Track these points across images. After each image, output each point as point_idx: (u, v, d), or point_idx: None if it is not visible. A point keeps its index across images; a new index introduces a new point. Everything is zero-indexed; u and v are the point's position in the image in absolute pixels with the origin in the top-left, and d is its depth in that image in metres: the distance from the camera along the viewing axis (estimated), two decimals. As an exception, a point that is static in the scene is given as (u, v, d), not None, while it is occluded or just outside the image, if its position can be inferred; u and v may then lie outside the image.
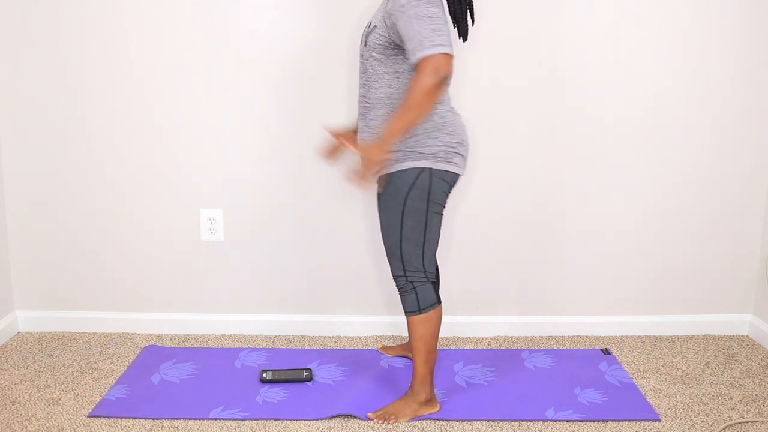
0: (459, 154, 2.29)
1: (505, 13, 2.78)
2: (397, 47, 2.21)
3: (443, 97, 2.28)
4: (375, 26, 2.24)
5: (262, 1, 2.77)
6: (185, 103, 2.85)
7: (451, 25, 2.33)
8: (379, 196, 2.34)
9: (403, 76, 2.24)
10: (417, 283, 2.33)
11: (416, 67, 2.13)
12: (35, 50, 2.81)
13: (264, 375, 2.60)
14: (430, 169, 2.25)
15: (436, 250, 2.36)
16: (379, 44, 2.23)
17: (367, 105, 2.31)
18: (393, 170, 2.26)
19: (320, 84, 2.82)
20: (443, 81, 2.10)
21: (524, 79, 2.83)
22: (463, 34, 2.32)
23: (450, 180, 2.30)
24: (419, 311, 2.33)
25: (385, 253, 2.40)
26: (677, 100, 2.87)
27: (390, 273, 2.97)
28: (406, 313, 2.37)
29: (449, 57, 2.10)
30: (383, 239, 2.36)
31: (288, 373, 2.61)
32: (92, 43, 2.80)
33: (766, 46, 2.83)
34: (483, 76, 2.82)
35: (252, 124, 2.87)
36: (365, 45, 2.28)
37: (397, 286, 2.38)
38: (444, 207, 2.33)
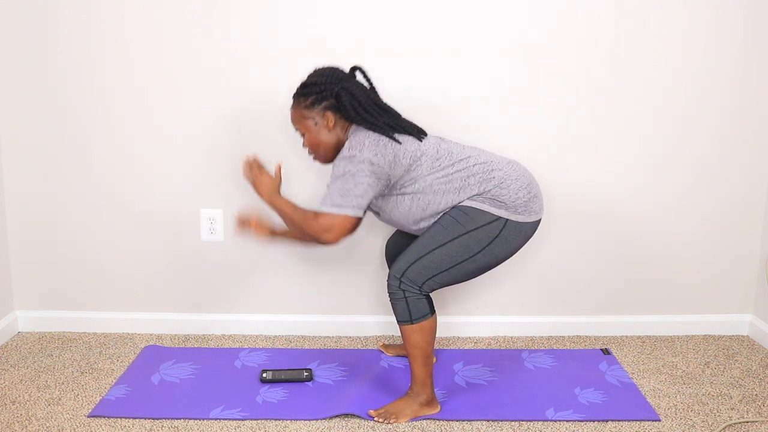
0: (536, 196, 2.29)
1: (505, 12, 2.78)
2: (384, 189, 2.28)
3: (490, 157, 2.31)
4: None
5: (262, 1, 2.77)
6: (185, 103, 2.85)
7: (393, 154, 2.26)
8: (444, 215, 2.29)
9: (403, 203, 2.30)
10: (409, 293, 2.27)
11: (316, 217, 2.21)
12: (35, 50, 2.81)
13: (264, 375, 2.60)
14: (507, 219, 2.25)
15: (448, 285, 2.32)
16: (384, 197, 2.31)
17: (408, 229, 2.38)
18: (473, 206, 2.25)
19: (320, 84, 2.82)
20: (326, 242, 2.21)
21: (524, 78, 2.83)
22: (416, 132, 2.33)
23: (531, 229, 2.29)
24: (411, 321, 2.28)
25: (393, 249, 2.40)
26: (677, 100, 2.87)
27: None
28: (397, 321, 2.31)
29: (345, 220, 2.19)
30: (415, 241, 2.31)
31: (288, 373, 2.61)
32: (92, 43, 2.80)
33: (766, 46, 2.83)
34: (482, 75, 2.82)
35: (252, 123, 2.87)
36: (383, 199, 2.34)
37: (388, 288, 2.30)
38: (500, 262, 2.32)
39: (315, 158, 2.38)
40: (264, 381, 2.59)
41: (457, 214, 2.27)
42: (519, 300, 3.03)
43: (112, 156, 2.90)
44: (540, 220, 2.34)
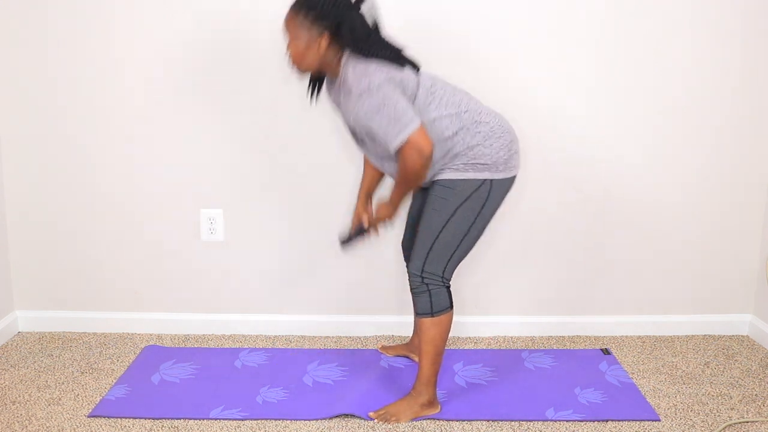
0: (515, 152, 2.31)
1: (504, 12, 2.78)
2: None
3: (478, 106, 2.29)
4: (355, 125, 2.24)
5: (262, 1, 2.76)
6: (185, 103, 2.85)
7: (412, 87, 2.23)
8: (429, 195, 2.32)
9: None
10: (432, 286, 2.31)
11: (398, 154, 2.17)
12: (35, 50, 2.80)
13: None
14: (491, 180, 2.26)
15: (462, 259, 2.35)
16: (367, 134, 2.25)
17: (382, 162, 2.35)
18: (453, 177, 2.26)
19: (320, 84, 2.81)
20: (429, 154, 2.14)
21: (523, 78, 2.83)
22: (413, 63, 2.28)
23: (510, 184, 2.32)
24: (432, 314, 2.31)
25: (411, 246, 2.39)
26: (677, 101, 2.87)
27: (393, 273, 2.97)
28: (417, 314, 2.35)
29: (420, 130, 2.13)
30: (418, 233, 2.34)
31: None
32: (92, 43, 2.80)
33: (766, 46, 2.83)
34: (483, 76, 2.82)
35: (252, 123, 2.87)
36: (372, 140, 2.26)
37: (410, 284, 2.35)
38: (493, 215, 2.33)
39: (292, 65, 2.25)
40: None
41: (442, 191, 2.27)
42: (519, 300, 3.03)
43: (113, 156, 2.90)
44: (516, 175, 2.34)
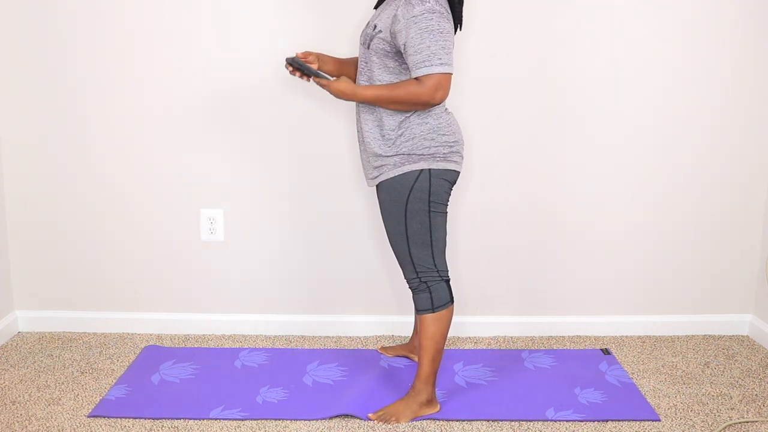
0: (457, 152, 2.30)
1: (505, 11, 2.78)
2: (400, 54, 2.21)
3: None
4: (379, 30, 2.22)
5: (262, 1, 2.77)
6: (185, 103, 2.85)
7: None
8: (382, 204, 2.34)
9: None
10: (431, 282, 2.33)
11: (419, 79, 2.15)
12: (35, 50, 2.80)
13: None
14: (429, 169, 2.26)
15: (444, 248, 2.36)
16: (381, 49, 2.22)
17: (364, 121, 2.31)
18: (392, 175, 2.27)
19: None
20: (438, 102, 2.16)
21: (524, 78, 2.83)
22: (460, 20, 2.29)
23: (450, 178, 2.30)
24: (432, 310, 2.33)
25: (396, 259, 2.40)
26: (677, 100, 2.87)
27: (393, 273, 2.97)
28: (418, 311, 2.36)
29: (450, 77, 2.15)
30: (392, 246, 2.36)
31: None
32: (92, 43, 2.80)
33: (766, 46, 2.83)
34: (483, 75, 2.82)
35: (252, 124, 2.87)
36: (367, 48, 2.27)
37: (410, 287, 2.37)
38: (446, 206, 2.33)
39: None
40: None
41: (386, 195, 2.29)
42: (519, 300, 3.03)
43: (112, 156, 2.90)
44: (459, 173, 2.33)
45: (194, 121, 2.86)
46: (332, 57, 2.45)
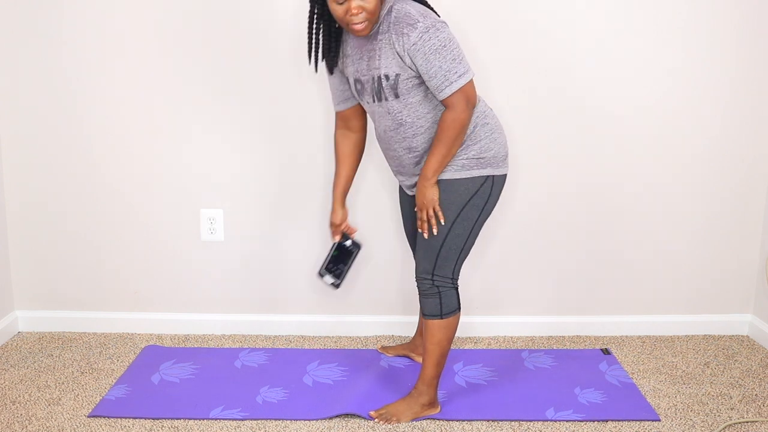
0: (507, 154, 2.32)
1: (505, 11, 2.78)
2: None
3: (480, 101, 2.28)
4: (396, 74, 2.14)
5: (263, 1, 2.77)
6: (185, 103, 2.85)
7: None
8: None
9: (427, 100, 2.22)
10: (443, 288, 2.30)
11: (446, 103, 2.13)
12: (35, 50, 2.80)
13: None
14: (493, 176, 2.25)
15: (465, 259, 2.35)
16: (412, 86, 2.17)
17: (408, 148, 2.26)
18: (457, 177, 2.23)
19: (321, 84, 2.81)
20: (474, 107, 2.15)
21: (525, 78, 2.83)
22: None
23: (505, 181, 2.32)
24: (441, 316, 2.30)
25: (413, 250, 2.37)
26: (678, 101, 2.87)
27: (393, 273, 2.97)
28: (425, 315, 2.33)
29: (472, 82, 2.14)
30: (419, 238, 2.30)
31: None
32: (92, 43, 2.80)
33: (766, 46, 2.83)
34: (487, 76, 2.82)
35: (252, 124, 2.87)
36: (396, 97, 2.18)
37: (419, 287, 2.33)
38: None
39: (357, 25, 2.09)
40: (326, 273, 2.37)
41: (445, 193, 2.24)
42: (519, 300, 3.03)
43: (113, 156, 2.90)
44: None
45: (194, 121, 2.86)
46: (339, 202, 2.47)
